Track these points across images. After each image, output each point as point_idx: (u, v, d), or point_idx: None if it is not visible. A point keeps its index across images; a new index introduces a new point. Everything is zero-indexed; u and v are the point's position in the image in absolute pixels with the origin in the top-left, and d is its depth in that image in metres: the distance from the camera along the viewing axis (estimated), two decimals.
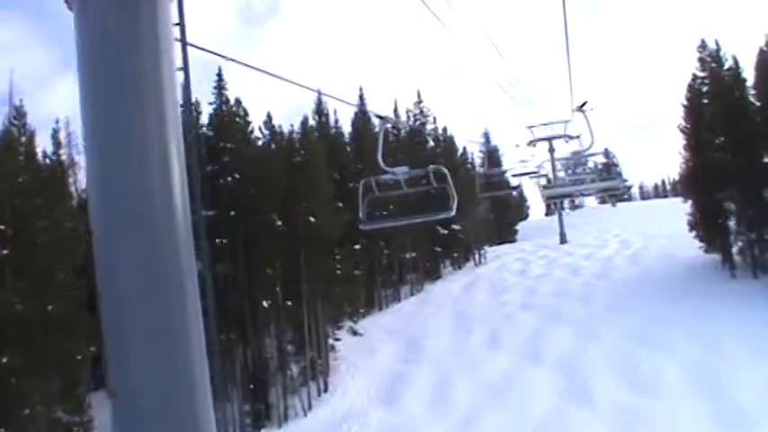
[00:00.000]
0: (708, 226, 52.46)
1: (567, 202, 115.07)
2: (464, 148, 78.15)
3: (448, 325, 50.76)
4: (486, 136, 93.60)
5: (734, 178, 49.42)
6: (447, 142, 72.77)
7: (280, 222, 43.38)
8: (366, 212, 13.13)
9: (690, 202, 55.34)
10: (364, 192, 12.82)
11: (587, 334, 44.09)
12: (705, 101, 53.34)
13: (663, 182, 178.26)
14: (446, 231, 65.73)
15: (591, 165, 34.37)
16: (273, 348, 43.87)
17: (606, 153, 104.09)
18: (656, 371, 37.71)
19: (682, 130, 54.73)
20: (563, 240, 76.49)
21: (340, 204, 48.91)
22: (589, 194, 52.00)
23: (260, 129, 49.45)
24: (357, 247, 54.10)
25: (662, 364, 38.26)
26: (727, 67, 52.51)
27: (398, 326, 52.10)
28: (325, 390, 44.77)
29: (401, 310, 57.05)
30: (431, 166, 12.74)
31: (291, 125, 53.24)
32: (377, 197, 13.16)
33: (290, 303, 43.66)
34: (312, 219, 44.15)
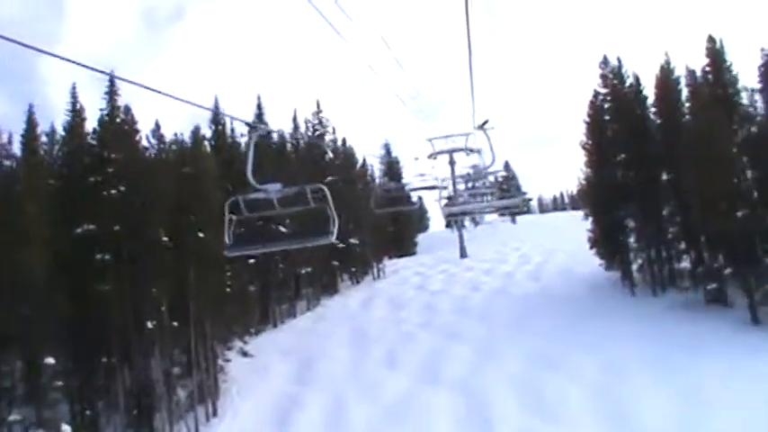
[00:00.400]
0: (608, 243, 52.24)
1: (468, 221, 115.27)
2: (364, 160, 76.72)
3: (345, 343, 48.72)
4: (387, 148, 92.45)
5: (634, 196, 49.25)
6: (346, 154, 71.04)
7: (166, 238, 40.67)
8: (234, 236, 11.57)
9: (590, 218, 55.09)
10: (231, 212, 11.39)
11: (487, 354, 42.78)
12: (607, 117, 53.17)
13: (561, 194, 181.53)
14: (344, 245, 63.95)
15: (492, 179, 32.95)
16: (159, 371, 40.98)
17: (507, 166, 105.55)
18: (560, 394, 36.55)
19: (583, 147, 54.45)
20: (463, 254, 75.39)
21: (233, 217, 46.66)
22: (491, 212, 48.98)
23: (147, 138, 46.10)
24: (251, 261, 51.91)
25: (565, 386, 37.12)
26: (628, 84, 52.41)
27: (293, 344, 49.78)
28: (214, 414, 41.88)
29: (297, 327, 54.76)
30: (310, 184, 11.29)
31: (181, 134, 50.22)
32: (246, 218, 11.60)
33: (176, 324, 40.96)
34: (201, 234, 41.52)
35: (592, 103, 54.06)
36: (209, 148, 55.37)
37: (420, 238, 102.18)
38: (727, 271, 43.19)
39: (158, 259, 40.18)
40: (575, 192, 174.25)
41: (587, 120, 54.14)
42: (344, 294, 63.66)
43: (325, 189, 10.95)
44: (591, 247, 54.07)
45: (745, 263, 41.81)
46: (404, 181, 45.86)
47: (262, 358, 47.51)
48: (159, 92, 8.02)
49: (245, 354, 47.22)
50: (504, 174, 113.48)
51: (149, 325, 39.46)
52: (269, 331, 53.54)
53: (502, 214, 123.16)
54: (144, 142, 45.67)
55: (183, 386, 41.57)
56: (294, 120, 68.26)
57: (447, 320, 50.37)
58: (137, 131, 44.57)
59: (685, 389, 34.35)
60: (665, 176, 48.34)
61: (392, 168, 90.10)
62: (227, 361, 45.66)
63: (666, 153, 47.12)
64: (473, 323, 48.62)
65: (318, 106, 68.51)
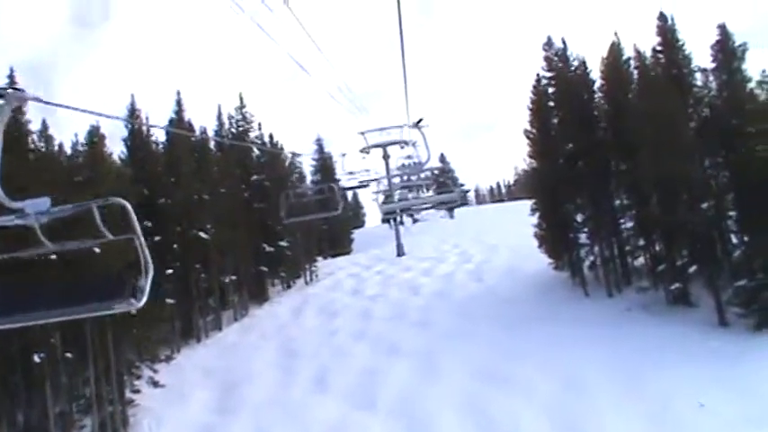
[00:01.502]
0: (556, 240, 48.27)
1: (405, 216, 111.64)
2: (292, 157, 71.63)
3: (272, 362, 43.70)
4: (320, 143, 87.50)
5: (584, 187, 45.35)
6: (274, 152, 65.81)
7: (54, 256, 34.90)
8: None
9: (536, 213, 50.96)
10: None
11: (428, 370, 38.24)
12: (551, 103, 49.17)
13: (498, 185, 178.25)
14: (272, 248, 59.08)
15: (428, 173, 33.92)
16: (53, 410, 35.44)
17: (442, 158, 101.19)
18: (510, 415, 32.13)
19: (527, 136, 50.36)
20: (400, 253, 71.21)
21: (148, 224, 41.55)
22: (428, 208, 48.00)
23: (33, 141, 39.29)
24: (169, 272, 46.88)
25: (516, 405, 32.71)
26: (574, 66, 48.31)
27: (217, 363, 44.68)
28: None
29: (223, 341, 49.65)
30: (101, 198, 5.79)
31: (75, 135, 44.37)
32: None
33: (70, 355, 35.45)
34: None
35: (535, 87, 49.91)
36: (125, 150, 50.46)
37: (356, 234, 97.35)
38: (692, 269, 39.31)
39: (46, 277, 34.65)
40: (512, 182, 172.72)
41: (531, 106, 50.05)
42: (274, 302, 58.66)
43: (128, 206, 5.66)
44: (539, 245, 50.07)
45: (711, 259, 38.05)
46: (338, 177, 44.41)
47: (180, 381, 42.41)
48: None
49: (155, 384, 41.70)
50: (440, 166, 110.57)
51: (37, 359, 33.96)
52: (192, 347, 48.45)
53: (439, 209, 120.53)
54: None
55: (81, 427, 36.27)
56: (219, 117, 62.79)
57: (383, 330, 45.73)
58: (25, 134, 38.63)
59: (653, 405, 30.38)
60: (617, 166, 44.43)
61: (325, 165, 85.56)
62: (136, 392, 40.39)
63: (618, 140, 43.07)
64: (412, 332, 44.08)
65: (242, 100, 62.80)
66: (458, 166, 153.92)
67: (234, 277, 53.45)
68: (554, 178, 46.52)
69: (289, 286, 62.65)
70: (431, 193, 39.13)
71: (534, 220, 51.05)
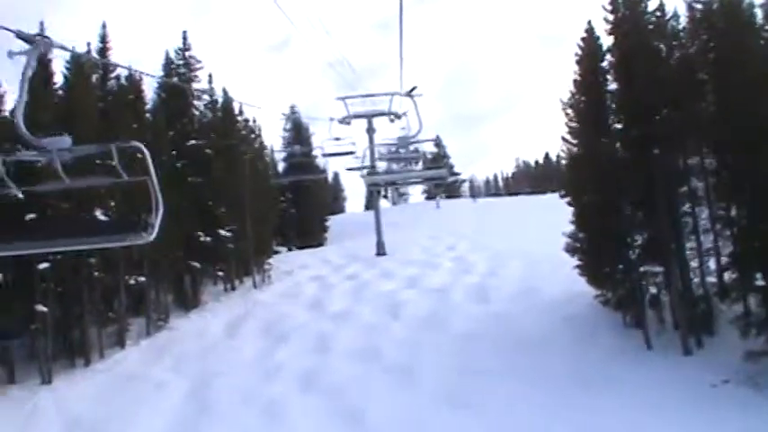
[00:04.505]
0: (603, 259, 33.35)
1: (389, 202, 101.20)
2: (254, 121, 56.44)
3: (170, 419, 29.23)
4: (294, 112, 72.82)
5: (656, 186, 30.41)
6: (227, 110, 50.40)
7: None
8: None
9: (573, 219, 35.79)
10: None
11: None
12: (608, 61, 34.23)
13: (495, 177, 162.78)
14: (209, 238, 44.21)
15: (417, 147, 30.08)
16: None
17: (438, 142, 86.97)
18: None
19: (565, 109, 35.46)
20: (380, 251, 56.22)
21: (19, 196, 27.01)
22: (416, 182, 41.50)
23: None
24: (44, 266, 32.65)
25: None
26: (652, 9, 32.90)
27: (88, 411, 30.08)
28: None
29: (119, 366, 34.98)
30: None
31: None
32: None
33: None
34: None
35: (585, 41, 35.03)
36: None
37: (333, 221, 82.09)
38: None
39: None
40: (510, 175, 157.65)
41: (578, 67, 35.08)
42: (208, 309, 43.82)
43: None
44: (580, 270, 35.10)
45: None
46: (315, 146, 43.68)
47: None
48: None
49: None
50: (434, 150, 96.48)
51: None
52: (71, 375, 33.91)
53: (429, 195, 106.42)
54: None
55: None
56: (167, 65, 47.54)
57: (344, 377, 30.85)
58: None
59: None
60: (722, 160, 29.40)
61: (299, 134, 70.99)
62: None
63: (721, 118, 28.08)
64: (386, 387, 29.25)
65: (185, 41, 47.20)
66: (453, 155, 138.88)
67: (142, 278, 38.64)
68: (607, 169, 31.78)
69: (232, 288, 47.70)
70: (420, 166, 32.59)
71: (564, 223, 36.03)
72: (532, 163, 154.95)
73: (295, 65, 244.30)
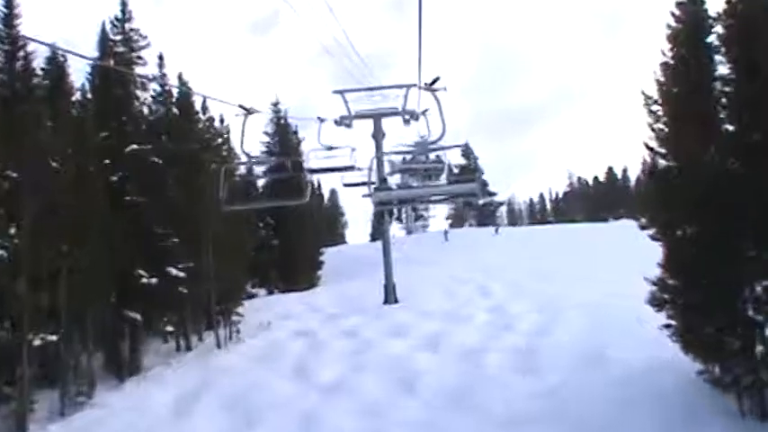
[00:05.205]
0: (713, 321, 21.75)
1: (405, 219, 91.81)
2: (221, 120, 44.97)
3: None
4: (277, 108, 62.15)
5: None
6: (182, 100, 39.03)
7: None
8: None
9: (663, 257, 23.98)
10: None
11: None
12: (717, 34, 22.88)
13: (541, 198, 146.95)
14: (154, 279, 32.99)
15: (439, 156, 28.51)
16: None
17: (467, 150, 76.70)
18: None
19: (649, 105, 24.11)
20: (389, 299, 44.59)
21: None
22: (438, 200, 39.43)
23: None
24: None
25: None
26: None
27: None
28: None
29: None
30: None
31: None
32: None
33: None
34: None
35: (682, 5, 23.72)
36: None
37: (328, 254, 70.48)
38: None
39: None
40: (561, 195, 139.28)
41: (670, 48, 23.78)
42: (151, 378, 33.01)
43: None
44: (672, 333, 23.34)
45: None
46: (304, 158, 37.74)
47: None
48: None
49: None
50: (461, 161, 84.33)
51: None
52: None
53: (452, 225, 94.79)
54: None
55: None
56: (102, 40, 36.72)
57: None
58: None
59: None
60: None
61: (285, 138, 60.13)
62: None
63: None
64: None
65: (124, 10, 36.37)
66: (487, 169, 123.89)
67: (54, 337, 27.52)
68: (719, 189, 20.79)
69: (187, 348, 36.35)
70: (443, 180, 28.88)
71: (643, 262, 24.39)
72: (590, 180, 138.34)
73: (282, 50, 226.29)
